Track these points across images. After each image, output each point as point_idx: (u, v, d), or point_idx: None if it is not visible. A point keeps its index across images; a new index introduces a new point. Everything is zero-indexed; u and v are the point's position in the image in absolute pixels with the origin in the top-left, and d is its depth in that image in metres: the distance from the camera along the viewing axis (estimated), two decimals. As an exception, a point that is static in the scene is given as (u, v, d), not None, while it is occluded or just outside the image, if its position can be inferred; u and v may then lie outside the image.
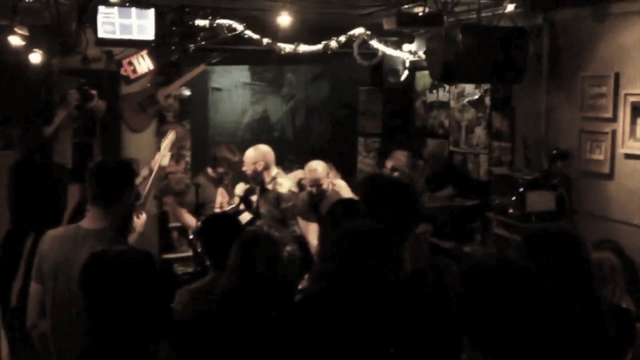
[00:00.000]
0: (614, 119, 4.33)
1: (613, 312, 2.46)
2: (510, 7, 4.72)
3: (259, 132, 7.19)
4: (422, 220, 4.68)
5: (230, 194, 5.28)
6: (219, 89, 7.00)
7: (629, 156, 4.23)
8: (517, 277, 1.79)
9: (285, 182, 5.04)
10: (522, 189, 4.54)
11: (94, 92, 5.29)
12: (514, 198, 4.58)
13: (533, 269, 1.95)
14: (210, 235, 3.34)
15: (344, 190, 5.07)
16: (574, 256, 2.33)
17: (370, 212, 2.84)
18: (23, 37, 4.72)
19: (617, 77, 4.29)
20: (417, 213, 3.11)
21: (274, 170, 5.06)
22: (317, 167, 5.02)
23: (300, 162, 5.55)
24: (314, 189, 4.97)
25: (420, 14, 4.81)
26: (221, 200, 5.26)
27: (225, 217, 3.87)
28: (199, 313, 2.73)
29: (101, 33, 5.35)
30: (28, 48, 4.90)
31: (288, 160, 6.99)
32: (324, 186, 4.97)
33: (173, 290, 2.96)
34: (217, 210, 5.14)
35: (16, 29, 4.62)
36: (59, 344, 2.79)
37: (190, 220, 5.22)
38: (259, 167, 4.99)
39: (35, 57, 4.99)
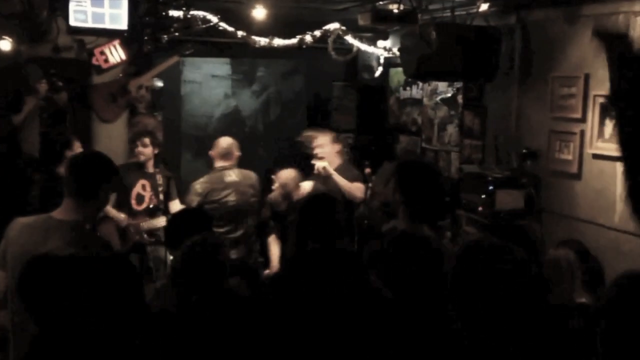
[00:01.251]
0: (583, 119, 4.39)
1: (572, 307, 2.50)
2: (484, 7, 4.77)
3: (231, 125, 7.15)
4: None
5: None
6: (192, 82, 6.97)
7: (596, 156, 4.29)
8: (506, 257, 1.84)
9: None
10: (491, 187, 4.58)
11: (60, 83, 5.22)
12: (483, 196, 4.63)
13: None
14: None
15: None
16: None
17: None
18: (-8, 23, 4.64)
19: (587, 78, 4.35)
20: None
21: None
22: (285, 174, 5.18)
23: (270, 157, 5.53)
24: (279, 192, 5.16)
25: (395, 11, 4.84)
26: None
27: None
28: (163, 310, 2.71)
29: (73, 21, 5.29)
30: (-3, 35, 4.82)
31: (258, 155, 6.97)
32: (292, 192, 5.12)
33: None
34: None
35: (-15, 15, 4.54)
36: (18, 337, 2.75)
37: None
38: None
39: (5, 45, 4.91)
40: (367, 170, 5.33)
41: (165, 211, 5.08)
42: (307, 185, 5.21)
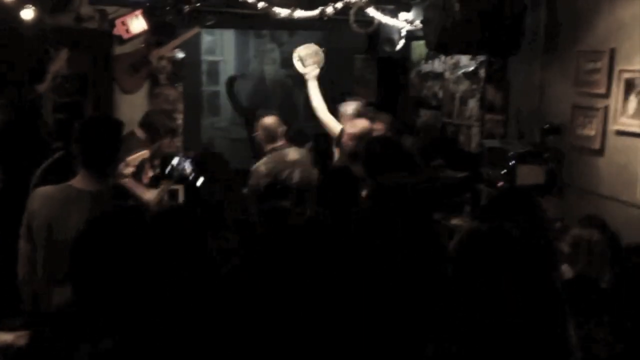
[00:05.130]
0: (607, 95, 4.32)
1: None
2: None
3: (254, 96, 7.15)
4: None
5: None
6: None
7: (620, 132, 4.23)
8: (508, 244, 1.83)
9: None
10: (512, 162, 4.54)
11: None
12: (504, 171, 4.59)
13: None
14: None
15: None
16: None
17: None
18: (15, -8, 4.66)
19: (612, 52, 4.27)
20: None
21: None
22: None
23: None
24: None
25: (418, -18, 4.78)
26: None
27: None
28: None
29: (95, -9, 5.30)
30: (20, 4, 4.83)
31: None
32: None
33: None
34: None
35: (8, -16, 4.56)
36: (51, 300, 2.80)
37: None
38: None
39: (27, 14, 4.93)
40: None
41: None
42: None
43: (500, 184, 4.58)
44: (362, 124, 4.90)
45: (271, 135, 5.03)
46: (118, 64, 5.69)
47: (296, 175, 4.94)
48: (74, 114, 5.45)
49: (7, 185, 5.18)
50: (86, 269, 1.92)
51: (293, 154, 5.04)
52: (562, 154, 4.68)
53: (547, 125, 4.74)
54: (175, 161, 4.09)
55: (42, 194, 2.92)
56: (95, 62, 5.63)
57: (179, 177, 3.97)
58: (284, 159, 4.98)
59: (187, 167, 3.91)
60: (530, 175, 4.51)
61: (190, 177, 3.54)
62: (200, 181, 3.04)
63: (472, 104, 5.89)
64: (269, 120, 5.10)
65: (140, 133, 5.00)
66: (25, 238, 2.91)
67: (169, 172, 4.04)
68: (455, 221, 5.12)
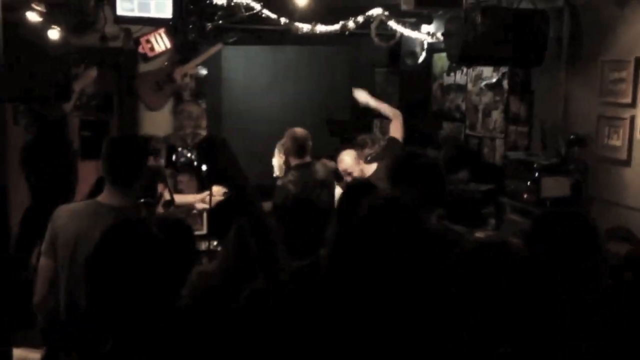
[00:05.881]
0: (633, 104, 4.26)
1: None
2: (530, -11, 4.66)
3: (274, 112, 7.16)
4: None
5: None
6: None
7: (647, 143, 4.18)
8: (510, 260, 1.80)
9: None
10: (537, 174, 4.50)
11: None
12: (528, 183, 4.55)
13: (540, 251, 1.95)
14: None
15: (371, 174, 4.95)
16: (587, 241, 2.29)
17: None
18: (41, 13, 4.74)
19: (637, 61, 4.22)
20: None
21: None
22: (345, 157, 4.94)
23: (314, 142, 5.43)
24: (348, 178, 4.89)
25: (439, -5, 4.77)
26: None
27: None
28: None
29: (119, 10, 5.34)
30: (46, 25, 4.92)
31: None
32: (355, 174, 4.88)
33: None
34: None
35: (34, 5, 4.64)
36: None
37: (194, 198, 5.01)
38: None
39: (53, 34, 5.01)
40: (360, 161, 5.23)
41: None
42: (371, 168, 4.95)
43: (525, 196, 4.54)
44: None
45: (300, 148, 4.84)
46: (142, 82, 5.76)
47: (324, 194, 4.81)
48: (100, 132, 5.53)
49: (34, 203, 5.26)
50: (102, 281, 1.95)
51: (321, 172, 4.88)
52: (587, 165, 4.63)
53: (572, 137, 4.69)
54: (179, 149, 4.09)
55: (68, 210, 2.95)
56: (120, 80, 5.71)
57: (184, 164, 3.93)
58: (314, 177, 4.81)
59: (191, 154, 3.85)
60: (555, 187, 4.46)
61: (195, 164, 3.51)
62: (204, 167, 3.05)
63: (496, 115, 5.85)
64: (300, 131, 4.93)
65: None
66: (47, 255, 2.91)
67: (174, 160, 4.01)
68: (479, 233, 5.07)
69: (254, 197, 2.29)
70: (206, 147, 2.26)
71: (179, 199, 4.84)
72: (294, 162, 4.89)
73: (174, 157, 3.82)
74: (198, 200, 4.80)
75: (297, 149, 4.86)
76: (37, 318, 2.95)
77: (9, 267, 2.70)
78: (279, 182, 4.83)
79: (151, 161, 4.43)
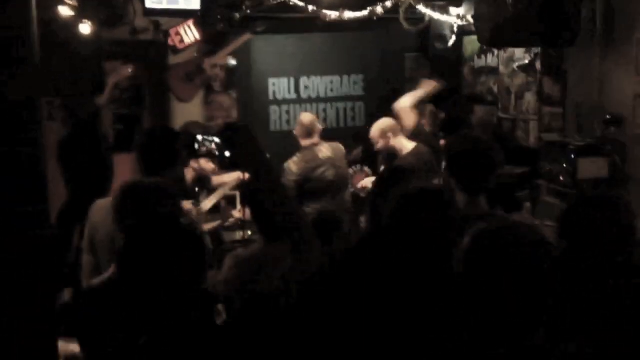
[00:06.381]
0: (671, 82, 4.18)
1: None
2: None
3: (302, 100, 7.16)
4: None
5: None
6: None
7: (686, 121, 4.09)
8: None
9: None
10: (573, 156, 4.43)
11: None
12: (564, 165, 4.48)
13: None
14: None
15: (404, 150, 4.99)
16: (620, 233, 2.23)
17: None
18: (72, 7, 4.79)
19: (675, 38, 4.13)
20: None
21: None
22: (374, 127, 5.08)
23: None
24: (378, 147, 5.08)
25: (469, -24, 4.71)
26: None
27: None
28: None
29: (149, 3, 5.39)
30: (77, 19, 4.98)
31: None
32: (378, 146, 5.00)
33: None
34: None
35: (66, 0, 4.69)
36: None
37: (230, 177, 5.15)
38: None
39: (85, 29, 5.07)
40: (442, 141, 5.24)
41: None
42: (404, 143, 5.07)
43: (561, 178, 4.48)
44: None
45: (307, 132, 5.14)
46: (173, 74, 5.80)
47: (330, 173, 5.05)
48: (132, 125, 5.59)
49: (71, 197, 5.34)
50: (132, 271, 1.97)
51: (325, 151, 5.13)
52: (625, 145, 4.54)
53: (608, 116, 4.61)
54: (200, 137, 4.05)
55: (103, 207, 2.97)
56: (150, 73, 5.75)
57: (206, 152, 3.88)
58: (317, 156, 5.09)
59: (214, 142, 3.79)
60: (592, 168, 4.39)
61: (218, 152, 3.45)
62: (227, 154, 2.99)
63: (529, 97, 5.77)
64: (307, 117, 5.27)
65: None
66: (87, 251, 2.94)
67: (197, 149, 3.98)
68: (516, 217, 5.02)
69: (278, 182, 2.29)
70: (230, 133, 2.27)
71: (215, 180, 4.92)
72: (302, 144, 5.15)
73: (196, 146, 3.77)
74: (227, 180, 4.92)
75: (304, 131, 5.13)
76: None
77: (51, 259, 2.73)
78: (284, 164, 5.09)
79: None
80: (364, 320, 2.12)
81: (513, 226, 1.84)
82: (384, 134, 5.00)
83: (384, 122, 5.08)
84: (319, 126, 5.23)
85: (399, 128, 5.06)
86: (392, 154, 5.06)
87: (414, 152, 4.95)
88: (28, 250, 1.82)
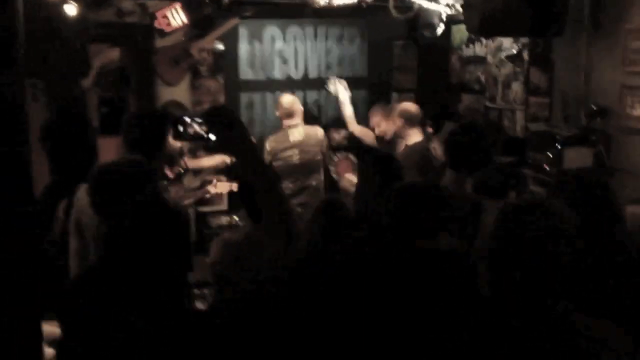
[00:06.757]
0: (658, 73, 4.19)
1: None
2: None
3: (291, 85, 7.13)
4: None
5: None
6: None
7: (672, 112, 4.11)
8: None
9: None
10: (559, 146, 4.45)
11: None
12: (550, 155, 4.51)
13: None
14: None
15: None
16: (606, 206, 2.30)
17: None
18: (58, -11, 4.72)
19: (662, 30, 4.15)
20: None
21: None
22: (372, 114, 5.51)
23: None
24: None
25: (458, -36, 4.69)
26: None
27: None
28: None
29: (135, -15, 5.35)
30: (62, 0, 4.90)
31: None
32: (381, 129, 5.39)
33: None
34: None
35: (51, -19, 4.62)
36: None
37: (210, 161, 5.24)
38: None
39: (70, 9, 4.99)
40: (429, 129, 5.25)
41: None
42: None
43: (547, 168, 4.50)
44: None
45: (286, 113, 5.36)
46: (159, 57, 5.74)
47: (296, 157, 5.24)
48: (118, 108, 5.53)
49: (54, 179, 5.28)
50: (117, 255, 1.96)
51: (297, 134, 5.29)
52: (610, 136, 4.57)
53: (594, 107, 4.63)
54: (187, 120, 4.01)
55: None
56: (137, 55, 5.69)
57: (192, 135, 3.90)
58: (288, 138, 5.29)
59: (198, 124, 3.78)
60: (577, 158, 4.41)
61: (205, 136, 3.46)
62: (212, 137, 2.95)
63: (516, 87, 5.78)
64: (286, 98, 5.48)
65: None
66: (74, 234, 2.94)
67: (182, 132, 3.96)
68: (500, 206, 5.03)
69: (263, 166, 2.29)
70: (214, 116, 2.25)
71: (193, 163, 4.93)
72: (282, 124, 5.41)
73: (180, 129, 3.75)
74: (212, 163, 4.98)
75: (284, 113, 5.39)
76: None
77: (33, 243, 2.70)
78: (265, 139, 5.44)
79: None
80: (355, 313, 2.12)
81: (543, 202, 1.88)
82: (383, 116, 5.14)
83: (409, 106, 5.13)
84: (300, 108, 5.40)
85: (419, 118, 5.12)
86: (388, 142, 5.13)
87: (414, 146, 5.00)
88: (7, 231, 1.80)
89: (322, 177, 5.42)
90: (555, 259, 1.73)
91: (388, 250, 2.25)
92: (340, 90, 5.68)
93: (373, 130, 5.56)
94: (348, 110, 5.62)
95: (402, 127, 5.08)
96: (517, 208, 1.85)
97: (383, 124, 5.46)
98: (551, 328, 1.70)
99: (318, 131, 5.44)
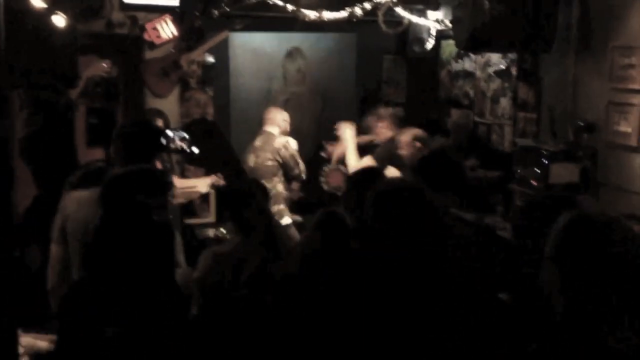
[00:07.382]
0: (644, 90, 4.22)
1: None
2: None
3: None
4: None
5: None
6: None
7: (657, 129, 4.14)
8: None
9: None
10: (545, 161, 4.47)
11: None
12: (537, 170, 4.52)
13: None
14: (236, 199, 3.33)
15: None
16: None
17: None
18: (46, -1, 4.71)
19: (648, 47, 4.18)
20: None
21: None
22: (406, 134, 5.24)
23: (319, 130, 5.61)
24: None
25: (447, -20, 4.73)
26: None
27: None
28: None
29: (126, -3, 5.36)
30: (50, 10, 4.88)
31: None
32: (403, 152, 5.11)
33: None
34: None
35: (39, -9, 4.61)
36: None
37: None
38: None
39: (59, 21, 4.98)
40: (418, 144, 5.25)
41: None
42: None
43: (533, 183, 4.51)
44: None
45: (264, 120, 5.68)
46: (149, 69, 5.74)
47: (251, 160, 5.50)
48: (106, 119, 5.50)
49: (40, 191, 5.25)
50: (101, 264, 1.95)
51: (259, 139, 5.59)
52: (597, 151, 4.59)
53: (581, 123, 4.66)
54: (170, 133, 4.02)
55: (77, 197, 2.94)
56: (126, 67, 5.68)
57: (175, 149, 3.96)
58: (253, 143, 5.61)
59: (181, 138, 3.85)
60: (564, 174, 4.43)
61: (187, 149, 3.49)
62: (195, 150, 2.92)
63: (504, 102, 5.81)
64: (269, 109, 5.82)
65: None
66: (57, 241, 2.92)
67: (166, 145, 3.97)
68: (488, 220, 5.05)
69: (247, 179, 2.28)
70: (197, 130, 2.25)
71: (181, 183, 4.88)
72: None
73: (164, 141, 3.75)
74: (201, 184, 4.88)
75: (263, 120, 5.73)
76: (51, 304, 2.95)
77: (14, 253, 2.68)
78: None
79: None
80: (348, 320, 2.11)
81: (606, 215, 1.85)
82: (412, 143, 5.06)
83: (415, 132, 5.09)
84: (272, 117, 5.65)
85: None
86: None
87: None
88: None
89: (277, 183, 5.37)
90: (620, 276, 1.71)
91: (384, 256, 2.22)
92: (349, 135, 5.43)
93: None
94: (352, 159, 5.35)
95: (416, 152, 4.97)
96: (584, 217, 1.82)
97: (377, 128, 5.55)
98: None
99: (276, 141, 5.53)
